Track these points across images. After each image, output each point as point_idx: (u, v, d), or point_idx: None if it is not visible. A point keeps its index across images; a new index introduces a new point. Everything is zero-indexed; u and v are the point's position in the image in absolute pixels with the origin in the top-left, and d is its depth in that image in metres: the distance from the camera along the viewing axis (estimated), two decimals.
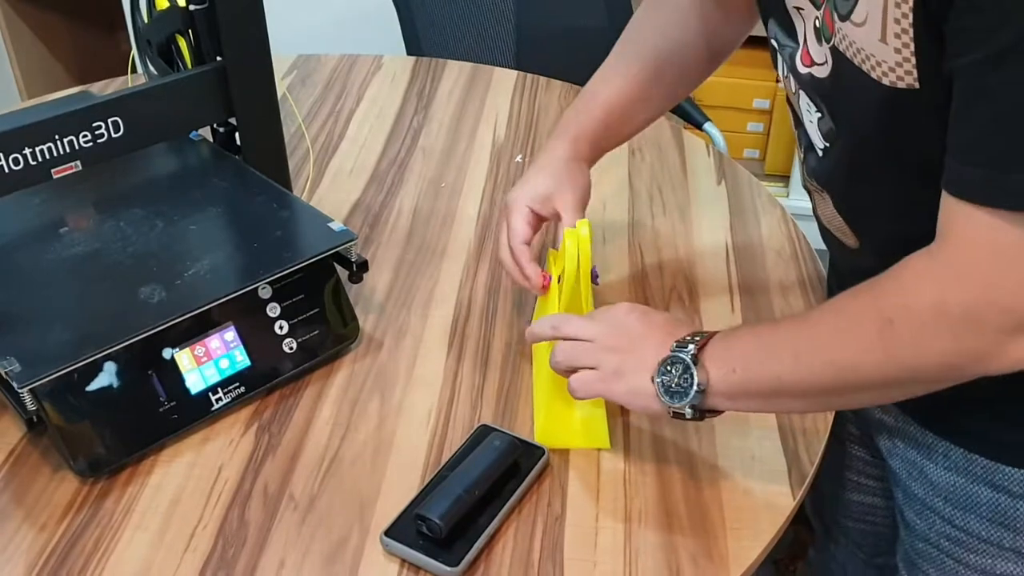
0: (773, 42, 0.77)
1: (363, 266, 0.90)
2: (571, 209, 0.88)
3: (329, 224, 0.90)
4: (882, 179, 0.71)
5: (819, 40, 0.68)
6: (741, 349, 0.69)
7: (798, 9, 0.70)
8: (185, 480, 0.78)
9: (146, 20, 1.05)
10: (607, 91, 0.93)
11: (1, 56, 2.32)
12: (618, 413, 0.83)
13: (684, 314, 0.95)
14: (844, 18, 0.63)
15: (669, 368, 0.69)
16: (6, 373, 0.73)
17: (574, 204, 0.88)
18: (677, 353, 0.69)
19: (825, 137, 0.73)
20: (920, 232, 0.62)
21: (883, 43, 0.61)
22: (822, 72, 0.69)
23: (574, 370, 0.75)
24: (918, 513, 0.83)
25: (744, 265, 1.02)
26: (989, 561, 0.78)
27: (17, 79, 2.32)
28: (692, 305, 0.96)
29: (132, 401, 0.78)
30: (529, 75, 1.41)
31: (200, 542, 0.73)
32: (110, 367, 0.77)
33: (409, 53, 1.63)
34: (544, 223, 0.92)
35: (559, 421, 0.81)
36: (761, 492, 0.77)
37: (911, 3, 0.58)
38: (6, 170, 0.87)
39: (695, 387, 0.68)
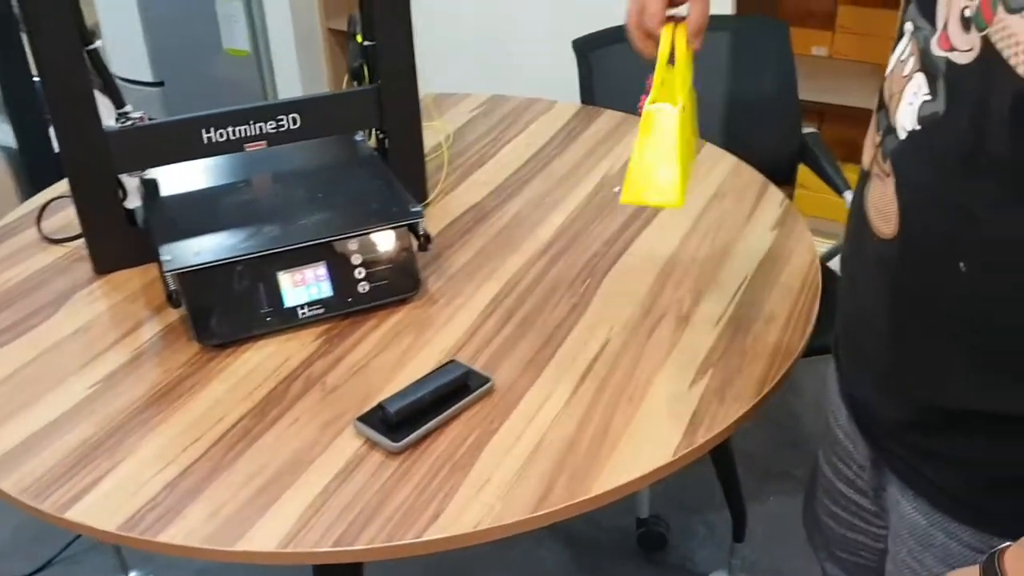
0: (908, 24, 0.80)
1: (427, 238, 1.20)
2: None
3: (411, 206, 1.21)
4: (960, 171, 0.72)
5: (965, 28, 0.70)
6: None
7: None
8: (263, 360, 1.12)
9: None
10: None
11: (323, 78, 2.91)
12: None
13: (674, 324, 1.15)
14: (1014, 11, 0.65)
15: None
16: (162, 260, 1.11)
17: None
18: None
19: (920, 120, 0.76)
20: (962, 230, 0.70)
21: None
22: (963, 59, 0.70)
23: None
24: (892, 540, 0.93)
25: (751, 293, 1.20)
26: None
27: None
28: (686, 314, 1.16)
29: (242, 301, 1.14)
30: None
31: (255, 397, 1.06)
32: (230, 272, 1.13)
33: (583, 102, 1.90)
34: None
35: (642, 179, 0.99)
36: (648, 454, 0.96)
37: None
38: (213, 140, 1.27)
39: None
